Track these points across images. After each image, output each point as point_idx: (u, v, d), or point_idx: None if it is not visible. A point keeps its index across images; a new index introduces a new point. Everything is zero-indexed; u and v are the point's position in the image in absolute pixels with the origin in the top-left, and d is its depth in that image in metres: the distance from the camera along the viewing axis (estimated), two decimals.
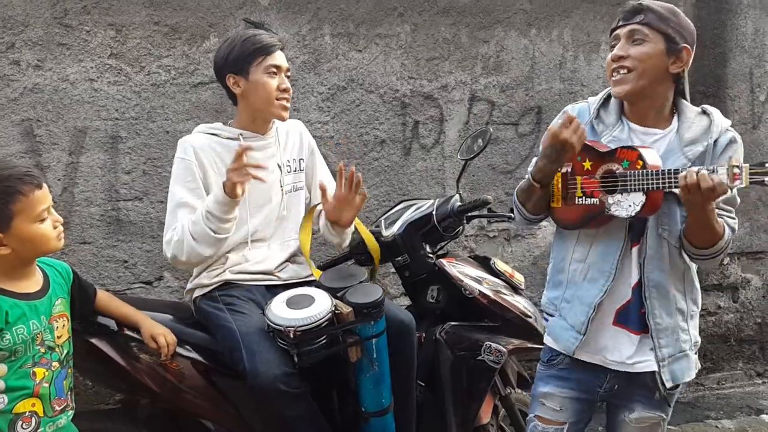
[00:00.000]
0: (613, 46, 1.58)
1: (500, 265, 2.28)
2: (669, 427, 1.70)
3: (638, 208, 1.47)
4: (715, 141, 1.54)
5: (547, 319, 1.73)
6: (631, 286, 1.58)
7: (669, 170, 1.43)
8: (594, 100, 1.69)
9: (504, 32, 3.17)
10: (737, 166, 1.33)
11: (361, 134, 3.02)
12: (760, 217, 3.69)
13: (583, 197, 1.57)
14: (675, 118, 1.60)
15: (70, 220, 2.65)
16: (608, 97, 1.67)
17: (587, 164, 1.57)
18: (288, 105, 2.00)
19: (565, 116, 1.54)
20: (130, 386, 1.85)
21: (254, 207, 1.99)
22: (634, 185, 1.46)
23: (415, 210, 2.21)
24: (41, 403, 1.52)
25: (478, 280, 2.14)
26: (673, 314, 1.58)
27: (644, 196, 1.46)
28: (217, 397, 1.83)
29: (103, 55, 2.66)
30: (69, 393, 1.60)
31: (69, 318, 1.63)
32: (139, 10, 2.68)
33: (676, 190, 1.43)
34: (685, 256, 1.59)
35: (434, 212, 2.15)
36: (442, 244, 2.26)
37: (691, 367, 1.62)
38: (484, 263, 2.29)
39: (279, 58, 1.98)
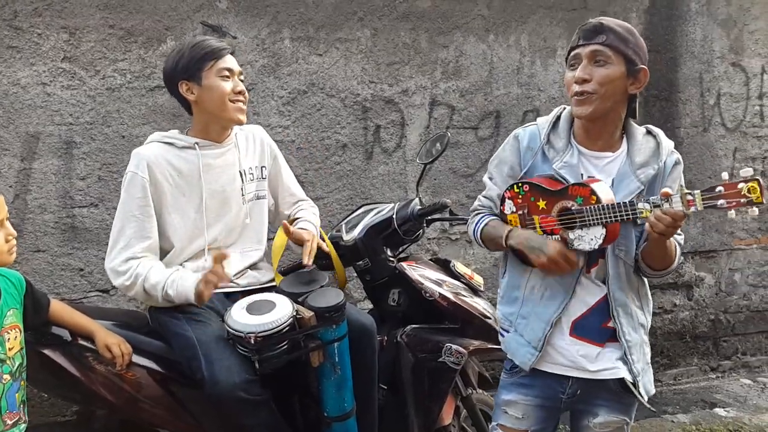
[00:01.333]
0: (572, 65, 1.58)
1: (460, 268, 2.30)
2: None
3: (600, 241, 1.51)
4: (664, 163, 1.59)
5: (503, 334, 1.75)
6: (591, 303, 1.61)
7: (625, 203, 1.47)
8: (543, 123, 1.68)
9: (463, 37, 3.21)
10: (690, 193, 1.38)
11: (323, 138, 3.02)
12: (711, 217, 3.81)
13: (544, 236, 1.59)
14: (624, 140, 1.63)
15: (23, 227, 2.59)
16: (557, 120, 1.68)
17: (541, 203, 1.59)
18: (244, 108, 1.98)
19: (567, 260, 1.54)
20: (85, 397, 1.81)
21: (213, 216, 1.96)
22: (593, 220, 1.51)
23: (376, 214, 2.22)
24: None
25: (438, 283, 2.16)
26: (637, 329, 1.63)
27: (604, 229, 1.50)
28: (175, 406, 1.81)
29: (56, 58, 2.60)
30: (21, 406, 1.56)
31: (21, 329, 1.58)
32: (93, 12, 2.63)
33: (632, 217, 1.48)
34: (642, 274, 1.64)
35: (394, 216, 2.16)
36: (403, 247, 2.27)
37: (652, 380, 1.67)
38: (444, 266, 2.31)
39: (230, 61, 1.96)
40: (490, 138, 3.28)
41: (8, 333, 1.53)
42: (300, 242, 2.01)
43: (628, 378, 1.60)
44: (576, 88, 1.55)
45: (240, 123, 1.99)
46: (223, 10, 2.80)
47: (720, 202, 1.35)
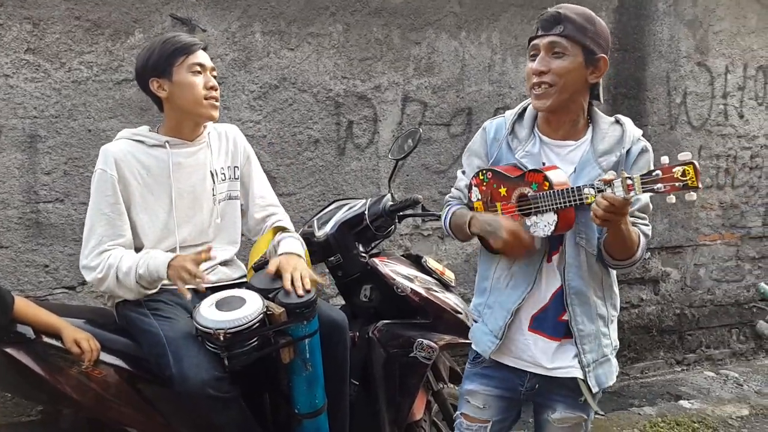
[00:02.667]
0: (533, 56, 1.58)
1: (431, 263, 2.31)
2: (597, 416, 1.75)
3: (552, 227, 1.52)
4: (628, 151, 1.58)
5: (471, 325, 1.78)
6: (551, 293, 1.62)
7: (572, 188, 1.47)
8: (510, 115, 1.70)
9: (435, 34, 3.22)
10: (629, 178, 1.36)
11: (295, 134, 3.00)
12: (678, 213, 3.89)
13: (499, 216, 1.61)
14: (589, 128, 1.64)
15: None
16: (523, 111, 1.69)
17: (502, 190, 1.61)
18: (217, 104, 1.95)
19: (520, 239, 1.55)
20: (50, 396, 1.77)
21: (183, 217, 1.94)
22: (545, 206, 1.52)
23: (348, 210, 2.22)
24: None
25: (410, 278, 2.17)
26: (594, 320, 1.62)
27: (556, 215, 1.51)
28: (143, 404, 1.78)
29: (19, 50, 2.53)
30: None
31: None
32: (58, 3, 2.57)
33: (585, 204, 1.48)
34: (604, 264, 1.63)
35: (366, 212, 2.16)
36: (375, 243, 2.27)
37: (612, 371, 1.67)
38: (416, 261, 2.32)
39: (202, 56, 1.93)
40: (462, 135, 3.30)
41: None
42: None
43: (580, 376, 1.60)
44: (534, 79, 1.56)
45: (213, 119, 1.96)
46: (192, 3, 2.76)
47: (657, 186, 1.33)
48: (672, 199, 1.37)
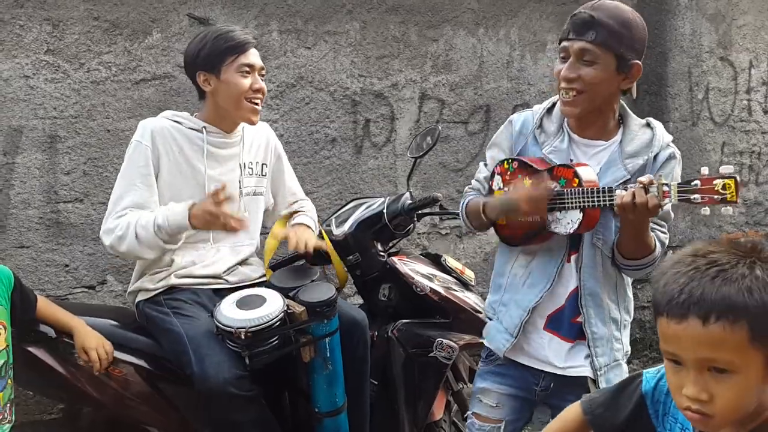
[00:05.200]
0: (563, 58, 1.52)
1: (451, 262, 2.29)
2: None
3: (576, 226, 1.48)
4: (656, 156, 1.55)
5: (485, 323, 1.74)
6: (567, 294, 1.59)
7: (604, 188, 1.44)
8: (538, 109, 1.66)
9: (453, 31, 3.20)
10: (666, 184, 1.35)
11: (312, 132, 2.99)
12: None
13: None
14: (620, 130, 1.60)
15: (6, 223, 2.54)
16: (552, 106, 1.65)
17: (527, 182, 1.56)
18: (259, 108, 1.95)
19: (538, 193, 1.49)
20: (71, 395, 1.79)
21: None
22: (572, 203, 1.47)
23: (366, 208, 2.20)
24: None
25: (429, 278, 2.15)
26: (607, 323, 1.59)
27: (581, 214, 1.47)
28: (163, 403, 1.79)
29: (39, 51, 2.55)
30: (8, 405, 1.52)
31: (7, 326, 1.54)
32: (77, 4, 2.58)
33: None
34: (617, 265, 1.60)
35: (385, 210, 2.14)
36: (394, 242, 2.26)
37: (623, 377, 1.61)
38: (435, 260, 2.30)
39: (253, 56, 1.92)
40: (480, 132, 3.27)
41: None
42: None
43: (591, 375, 1.58)
44: (563, 84, 1.52)
45: (252, 123, 1.97)
46: (209, 2, 2.76)
47: (694, 196, 1.31)
48: (707, 210, 1.34)
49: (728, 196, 1.28)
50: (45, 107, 2.57)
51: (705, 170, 1.32)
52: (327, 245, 2.07)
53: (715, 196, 1.29)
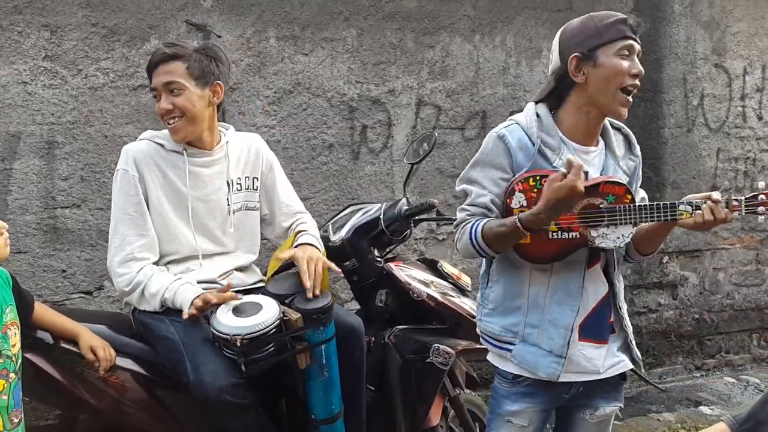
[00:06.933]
0: (626, 54, 1.52)
1: (447, 268, 2.29)
2: (615, 422, 1.75)
3: (627, 239, 1.52)
4: (637, 154, 1.68)
5: (503, 348, 1.64)
6: (597, 301, 1.60)
7: (665, 204, 1.49)
8: (525, 121, 1.59)
9: (449, 38, 3.21)
10: (736, 199, 1.46)
11: (309, 138, 3.00)
12: None
13: (559, 232, 1.52)
14: (599, 134, 1.64)
15: None
16: (537, 117, 1.60)
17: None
18: (172, 125, 1.88)
19: (568, 164, 1.41)
20: (68, 401, 1.78)
21: (197, 225, 1.93)
22: (626, 219, 1.50)
23: (363, 214, 2.21)
24: (0, 417, 1.45)
25: (425, 283, 2.15)
26: (626, 316, 1.68)
27: (633, 228, 1.53)
28: (160, 410, 1.78)
29: (37, 57, 2.56)
30: (20, 404, 1.54)
31: (18, 326, 1.55)
32: (75, 11, 2.59)
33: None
34: (629, 260, 1.72)
35: (381, 216, 2.15)
36: (390, 248, 2.26)
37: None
38: (431, 266, 2.30)
39: (158, 75, 1.88)
40: (477, 138, 3.28)
41: (10, 330, 1.51)
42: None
43: (632, 366, 1.65)
44: (630, 81, 1.53)
45: (177, 140, 1.90)
46: (207, 9, 2.77)
47: (760, 209, 1.46)
48: (762, 219, 1.48)
49: None
50: (43, 113, 2.58)
51: (762, 184, 1.48)
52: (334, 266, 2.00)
53: None
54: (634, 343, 1.66)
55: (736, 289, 4.04)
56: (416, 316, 2.14)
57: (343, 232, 2.16)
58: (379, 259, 2.18)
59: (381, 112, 3.13)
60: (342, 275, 2.15)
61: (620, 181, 1.54)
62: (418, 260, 2.41)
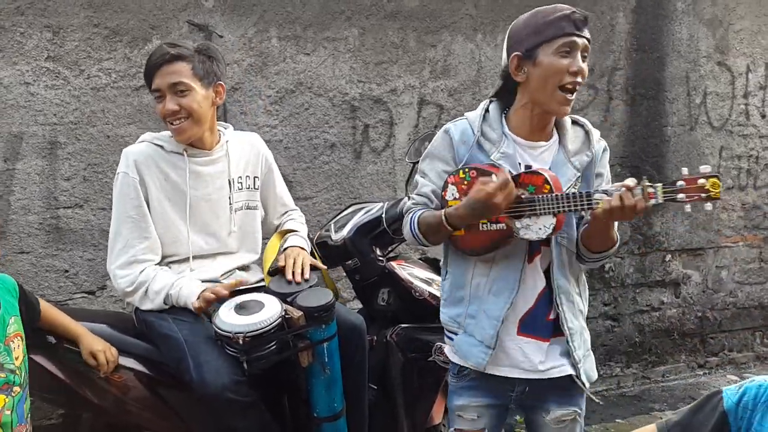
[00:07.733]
0: (566, 52, 1.51)
1: None
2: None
3: (549, 231, 1.49)
4: (595, 150, 1.62)
5: (451, 338, 1.69)
6: (536, 295, 1.60)
7: (581, 193, 1.47)
8: (473, 116, 1.64)
9: (451, 37, 3.21)
10: (651, 186, 1.40)
11: (311, 138, 3.00)
12: (698, 215, 3.83)
13: (488, 224, 1.55)
14: (554, 129, 1.64)
15: (6, 229, 2.55)
16: (486, 112, 1.64)
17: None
18: (175, 126, 1.89)
19: (501, 180, 1.45)
20: (71, 400, 1.79)
21: (201, 226, 1.94)
22: (544, 209, 1.48)
23: (365, 213, 2.21)
24: None
25: (427, 282, 2.16)
26: (577, 316, 1.63)
27: (554, 219, 1.49)
28: (163, 409, 1.79)
29: (39, 57, 2.57)
30: (27, 417, 1.52)
31: (23, 337, 1.54)
32: (77, 11, 2.60)
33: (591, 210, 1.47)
34: (581, 259, 1.64)
35: (383, 215, 2.15)
36: (392, 246, 2.27)
37: (594, 366, 1.67)
38: (433, 265, 2.30)
39: (163, 76, 1.90)
40: None
41: (13, 342, 1.49)
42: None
43: (572, 372, 1.60)
44: (569, 78, 1.52)
45: (181, 140, 1.92)
46: (209, 9, 2.78)
47: (680, 196, 1.38)
48: (688, 208, 1.40)
49: (713, 193, 1.36)
50: (45, 113, 2.59)
51: (685, 170, 1.40)
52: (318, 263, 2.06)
53: (702, 194, 1.36)
54: (574, 347, 1.60)
55: (739, 287, 4.03)
56: (418, 315, 2.14)
57: (345, 232, 2.17)
58: (381, 258, 2.19)
59: (383, 111, 3.13)
60: (328, 269, 2.15)
61: (539, 171, 1.52)
62: (419, 259, 2.41)
